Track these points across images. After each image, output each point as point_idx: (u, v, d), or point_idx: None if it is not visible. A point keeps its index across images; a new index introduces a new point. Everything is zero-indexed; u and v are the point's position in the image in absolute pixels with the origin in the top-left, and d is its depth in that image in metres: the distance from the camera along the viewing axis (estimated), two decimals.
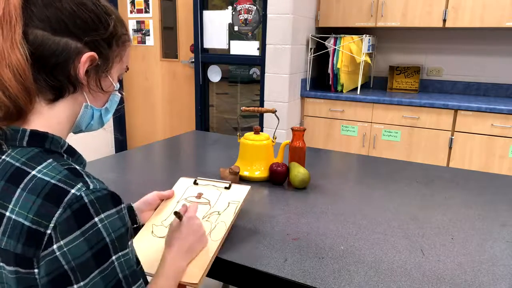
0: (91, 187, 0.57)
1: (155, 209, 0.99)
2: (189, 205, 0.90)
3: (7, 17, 0.56)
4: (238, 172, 1.25)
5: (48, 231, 0.53)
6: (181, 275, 0.78)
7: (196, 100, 3.37)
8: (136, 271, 0.61)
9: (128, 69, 0.75)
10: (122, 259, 0.58)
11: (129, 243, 0.61)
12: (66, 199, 0.54)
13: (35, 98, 0.61)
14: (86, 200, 0.55)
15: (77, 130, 0.71)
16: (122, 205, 0.60)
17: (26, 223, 0.54)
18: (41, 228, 0.53)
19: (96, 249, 0.55)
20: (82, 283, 0.54)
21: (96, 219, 0.55)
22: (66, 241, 0.53)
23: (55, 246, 0.53)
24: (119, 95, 0.75)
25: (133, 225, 0.95)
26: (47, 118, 0.62)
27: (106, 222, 0.56)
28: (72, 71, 0.62)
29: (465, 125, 2.67)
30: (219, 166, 1.45)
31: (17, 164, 0.58)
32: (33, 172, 0.57)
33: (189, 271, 0.81)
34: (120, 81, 0.78)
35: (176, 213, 0.84)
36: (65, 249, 0.53)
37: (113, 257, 0.57)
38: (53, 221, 0.53)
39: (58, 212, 0.53)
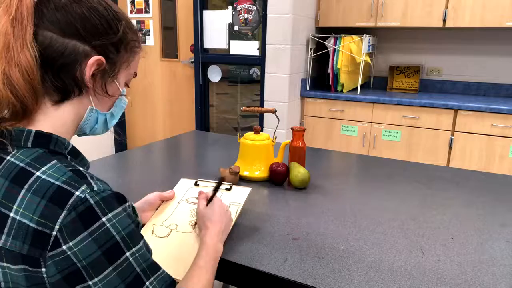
0: (95, 188, 0.57)
1: (156, 209, 1.00)
2: (207, 193, 0.94)
3: (19, 17, 0.57)
4: (238, 172, 1.25)
5: (54, 233, 0.54)
6: (219, 255, 0.81)
7: (196, 100, 3.37)
8: (153, 262, 0.61)
9: (136, 75, 0.75)
10: (136, 254, 0.59)
11: (142, 237, 0.62)
12: (70, 201, 0.55)
13: (42, 99, 0.61)
14: (92, 202, 0.56)
15: (81, 133, 0.71)
16: (127, 203, 0.61)
17: (32, 224, 0.54)
18: (46, 230, 0.54)
19: (106, 247, 0.55)
20: (96, 279, 0.55)
21: (104, 219, 0.56)
22: (74, 242, 0.54)
23: (65, 247, 0.54)
24: (126, 100, 0.75)
25: None
26: (52, 119, 0.63)
27: (114, 221, 0.57)
28: (79, 74, 0.63)
29: (465, 125, 2.67)
30: (219, 166, 1.45)
31: (22, 164, 0.58)
32: (38, 173, 0.57)
33: None
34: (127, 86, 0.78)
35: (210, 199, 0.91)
36: (75, 249, 0.54)
37: (127, 253, 0.57)
38: (58, 223, 0.54)
39: (63, 214, 0.54)
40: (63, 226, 0.54)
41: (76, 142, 0.77)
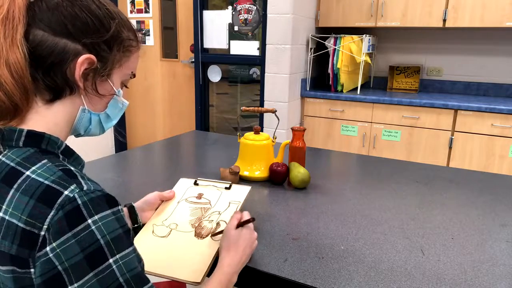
0: (85, 188, 0.56)
1: (156, 209, 1.00)
2: (245, 216, 0.87)
3: (10, 17, 0.57)
4: (238, 172, 1.25)
5: (42, 233, 0.53)
6: (231, 286, 0.78)
7: (196, 100, 3.37)
8: (140, 273, 0.58)
9: (134, 75, 0.73)
10: (120, 262, 0.56)
11: (131, 244, 0.59)
12: (59, 201, 0.54)
13: (33, 97, 0.61)
14: (80, 202, 0.54)
15: (76, 133, 0.70)
16: (119, 207, 0.59)
17: (20, 224, 0.54)
18: (35, 230, 0.53)
19: (89, 251, 0.53)
20: (76, 285, 0.53)
21: (90, 220, 0.54)
22: (58, 242, 0.52)
23: (48, 248, 0.53)
24: (126, 102, 0.74)
25: (134, 224, 0.95)
26: (44, 118, 0.62)
27: (100, 223, 0.55)
28: (69, 72, 0.62)
29: (465, 125, 2.67)
30: (219, 166, 1.45)
31: (12, 164, 0.57)
32: (27, 173, 0.56)
33: (191, 270, 0.81)
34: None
35: (250, 220, 0.84)
36: (58, 250, 0.52)
37: (110, 260, 0.55)
38: (46, 223, 0.53)
39: (51, 213, 0.53)
40: (50, 225, 0.53)
41: (76, 142, 0.76)
